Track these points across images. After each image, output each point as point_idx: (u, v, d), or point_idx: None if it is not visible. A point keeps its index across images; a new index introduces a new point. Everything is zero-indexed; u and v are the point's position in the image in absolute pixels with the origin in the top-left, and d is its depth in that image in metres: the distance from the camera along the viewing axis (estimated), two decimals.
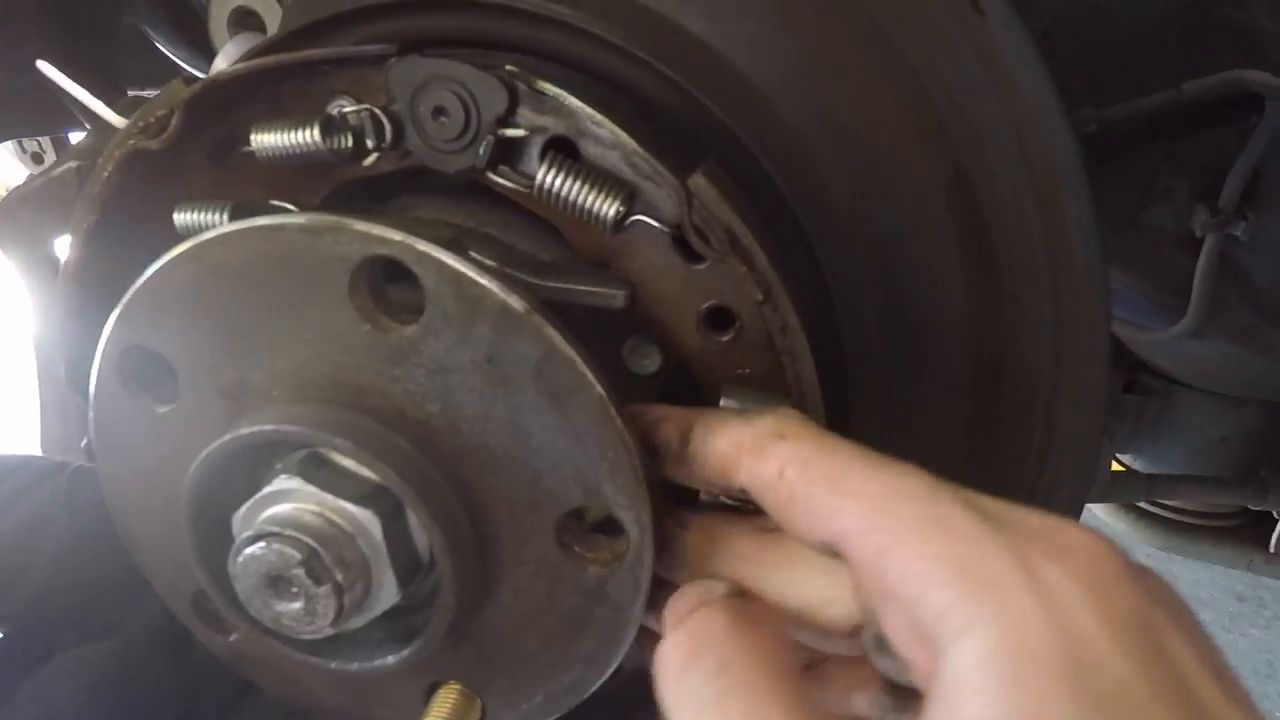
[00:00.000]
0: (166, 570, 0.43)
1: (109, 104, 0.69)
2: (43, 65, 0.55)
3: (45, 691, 0.35)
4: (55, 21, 0.83)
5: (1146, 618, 0.27)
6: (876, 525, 0.30)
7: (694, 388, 0.44)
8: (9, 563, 0.45)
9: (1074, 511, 0.55)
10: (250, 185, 0.44)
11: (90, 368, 0.45)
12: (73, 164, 0.60)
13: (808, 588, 0.35)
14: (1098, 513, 1.21)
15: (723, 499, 0.41)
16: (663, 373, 0.46)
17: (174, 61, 1.00)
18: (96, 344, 0.42)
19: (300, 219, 0.35)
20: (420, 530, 0.38)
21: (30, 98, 0.88)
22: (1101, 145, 0.81)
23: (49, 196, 0.59)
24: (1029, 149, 0.45)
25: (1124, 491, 1.04)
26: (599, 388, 0.35)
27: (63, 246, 0.62)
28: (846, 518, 0.31)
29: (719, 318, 0.42)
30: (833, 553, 0.32)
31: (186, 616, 0.44)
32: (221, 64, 0.54)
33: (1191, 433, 1.05)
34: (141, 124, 0.41)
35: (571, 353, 0.34)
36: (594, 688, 0.41)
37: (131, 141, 0.41)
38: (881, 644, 0.32)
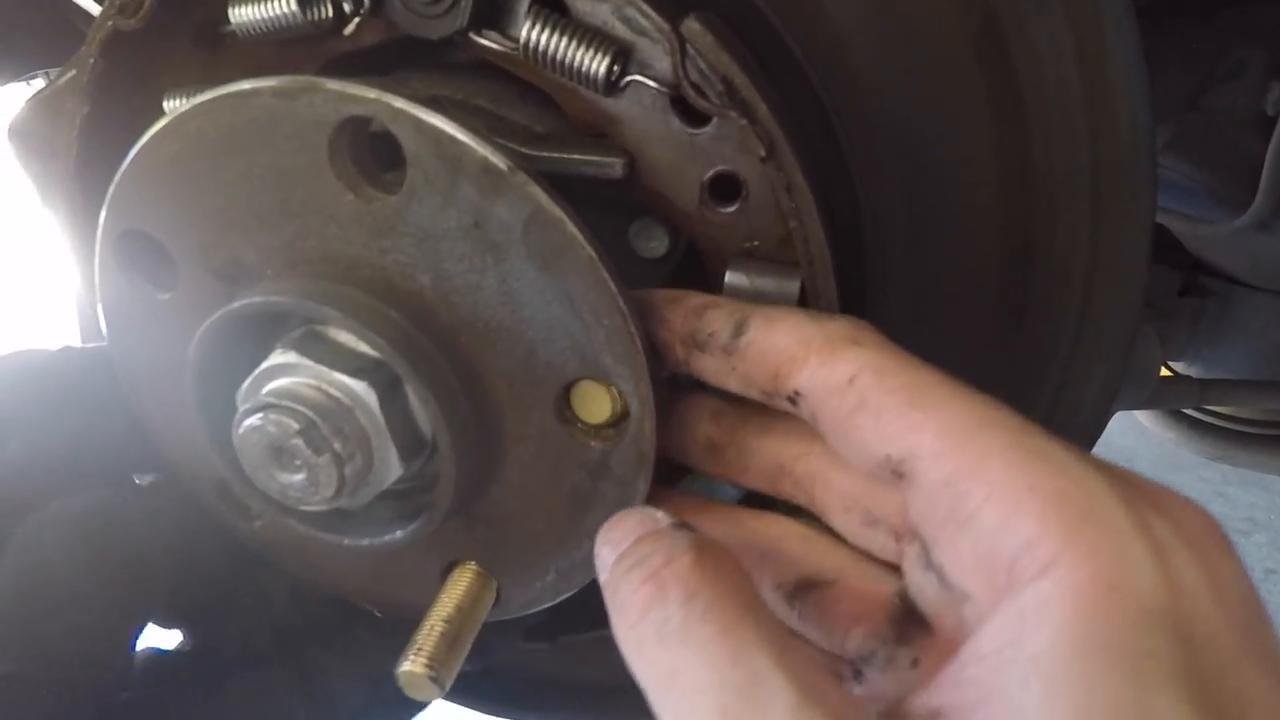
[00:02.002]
0: (189, 459, 0.44)
1: None
2: None
3: (34, 538, 0.36)
4: None
5: (1248, 593, 0.26)
6: (960, 446, 0.28)
7: (703, 268, 0.42)
8: None
9: (1103, 411, 0.52)
10: (238, 68, 0.43)
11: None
12: (73, 72, 0.60)
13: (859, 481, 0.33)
14: (1144, 422, 1.17)
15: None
16: (672, 255, 0.44)
17: None
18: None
19: (273, 82, 0.34)
20: (422, 407, 0.37)
21: (47, 32, 0.88)
22: (1161, 15, 0.74)
23: (56, 108, 0.59)
24: None
25: (1174, 398, 0.99)
26: (589, 248, 0.33)
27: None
28: (926, 434, 0.29)
29: (724, 187, 0.39)
30: (890, 472, 0.30)
31: (213, 505, 0.45)
32: None
33: (1253, 336, 0.99)
34: (118, 3, 0.39)
35: (558, 211, 0.33)
36: None
37: (110, 23, 0.40)
38: (927, 562, 0.30)
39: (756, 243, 0.40)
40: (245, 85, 0.34)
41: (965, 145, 0.44)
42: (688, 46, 0.35)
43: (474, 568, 0.42)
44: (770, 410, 0.36)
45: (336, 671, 0.42)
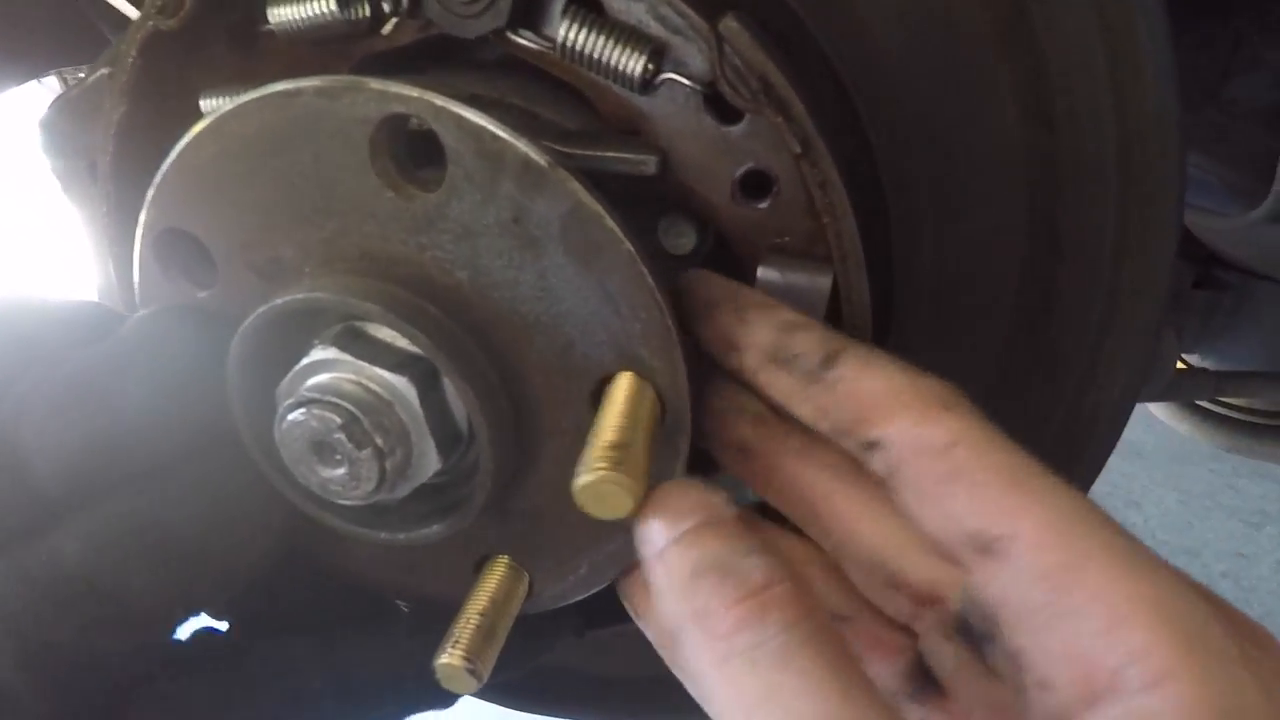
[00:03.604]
0: None
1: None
2: None
3: (99, 527, 0.37)
4: None
5: None
6: (1062, 541, 0.28)
7: (731, 264, 0.42)
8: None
9: (1127, 405, 0.53)
10: (273, 69, 0.43)
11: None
12: (105, 70, 0.61)
13: (901, 536, 0.34)
14: (1158, 414, 1.17)
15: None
16: (699, 252, 0.45)
17: None
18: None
19: (316, 81, 0.34)
20: (458, 402, 0.38)
21: (71, 28, 0.88)
22: (1179, 7, 0.74)
23: (86, 106, 0.60)
24: None
25: (1189, 389, 0.99)
26: (628, 243, 0.34)
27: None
28: (1026, 521, 0.28)
29: (755, 183, 0.40)
30: (976, 548, 0.29)
31: None
32: None
33: (1268, 329, 1.00)
34: (159, 3, 0.40)
35: (598, 206, 0.33)
36: (635, 557, 0.41)
37: (150, 23, 0.41)
38: (967, 632, 0.30)
39: (787, 238, 0.40)
40: (288, 85, 0.34)
41: (992, 140, 0.44)
42: (725, 45, 0.35)
43: (506, 561, 0.42)
44: (816, 436, 0.35)
45: (359, 648, 0.42)
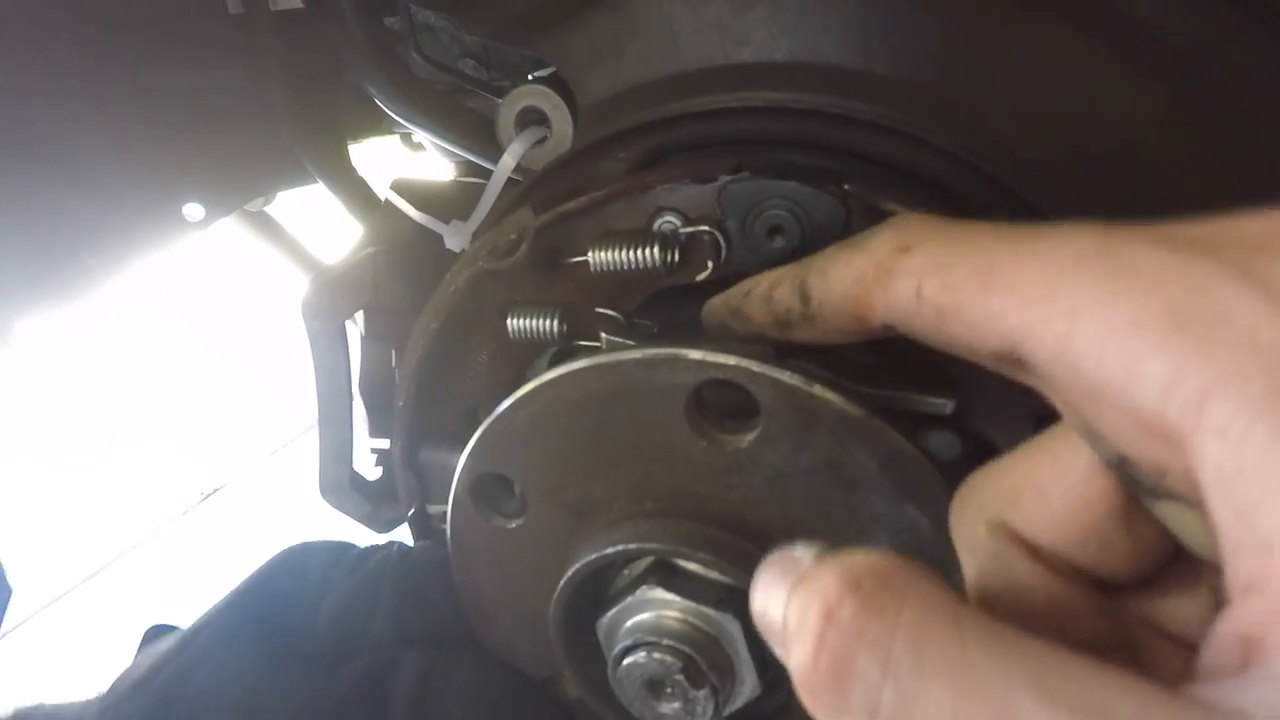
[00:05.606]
0: (520, 658, 0.49)
1: (334, 151, 0.77)
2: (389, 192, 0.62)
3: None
4: (295, 83, 0.91)
5: None
6: (1047, 310, 0.23)
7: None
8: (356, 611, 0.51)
9: None
10: (573, 290, 0.47)
11: (421, 445, 0.51)
12: (370, 250, 0.67)
13: None
14: None
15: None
16: (961, 458, 0.46)
17: (389, 114, 1.10)
18: (430, 424, 0.48)
19: (636, 354, 0.37)
20: None
21: (276, 158, 0.98)
22: None
23: (349, 280, 0.67)
24: None
25: None
26: (947, 483, 0.35)
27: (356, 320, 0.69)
28: (1010, 316, 0.24)
29: (1056, 417, 0.41)
30: (1010, 364, 0.25)
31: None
32: (509, 160, 0.58)
33: None
34: (494, 247, 0.45)
35: (917, 451, 0.35)
36: None
37: (481, 264, 0.45)
38: (1124, 468, 0.23)
39: None
40: (608, 359, 0.38)
41: None
42: None
43: None
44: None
45: None
